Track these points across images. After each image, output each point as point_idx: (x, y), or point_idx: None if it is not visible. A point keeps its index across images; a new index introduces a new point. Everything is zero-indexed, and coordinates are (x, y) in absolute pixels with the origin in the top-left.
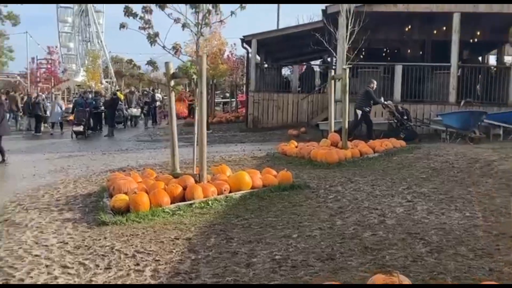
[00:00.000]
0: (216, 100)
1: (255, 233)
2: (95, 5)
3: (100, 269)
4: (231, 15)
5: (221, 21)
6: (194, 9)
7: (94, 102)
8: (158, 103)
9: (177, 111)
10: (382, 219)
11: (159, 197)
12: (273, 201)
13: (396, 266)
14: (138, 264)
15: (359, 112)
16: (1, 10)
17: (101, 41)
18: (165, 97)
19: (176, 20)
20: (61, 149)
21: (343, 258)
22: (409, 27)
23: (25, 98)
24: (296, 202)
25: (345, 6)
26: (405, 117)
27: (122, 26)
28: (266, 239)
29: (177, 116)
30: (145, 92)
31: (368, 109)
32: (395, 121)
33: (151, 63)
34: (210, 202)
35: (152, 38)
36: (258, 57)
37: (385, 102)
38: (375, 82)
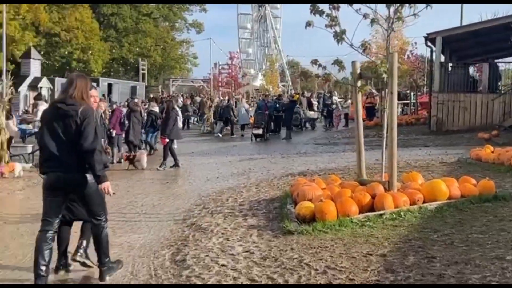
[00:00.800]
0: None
1: (460, 253)
2: (273, 11)
3: (290, 284)
4: (426, 7)
5: (414, 14)
6: (385, 3)
7: (277, 105)
8: (334, 106)
9: (352, 114)
10: None
11: (346, 206)
12: (475, 214)
13: None
14: (330, 282)
15: None
16: (187, 18)
17: (278, 46)
18: (340, 100)
19: (365, 16)
20: (242, 151)
21: None
22: None
23: (208, 102)
24: (503, 216)
25: None
26: None
27: (308, 24)
28: (475, 260)
29: (353, 119)
30: (320, 95)
31: None
32: None
33: (337, 62)
34: (402, 213)
35: (339, 36)
36: (441, 56)
37: None
38: None
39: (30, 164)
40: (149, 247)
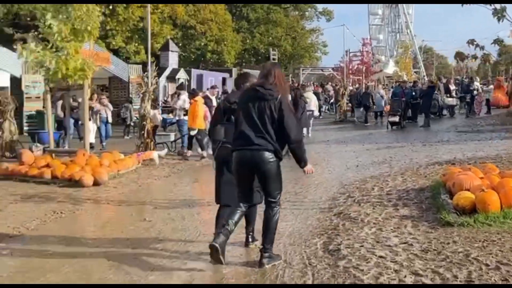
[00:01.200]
0: None
1: None
2: None
3: (460, 281)
4: None
5: None
6: None
7: (413, 93)
8: (475, 92)
9: (494, 100)
10: None
11: (511, 197)
12: None
13: None
14: (505, 280)
15: None
16: (317, 6)
17: (410, 31)
18: (482, 85)
19: None
20: (378, 140)
21: None
22: None
23: (341, 89)
24: None
25: None
26: None
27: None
28: None
29: (495, 105)
30: (457, 81)
31: None
32: None
33: (498, 41)
34: None
35: (500, 13)
36: None
37: None
38: None
39: (165, 151)
40: (299, 235)
